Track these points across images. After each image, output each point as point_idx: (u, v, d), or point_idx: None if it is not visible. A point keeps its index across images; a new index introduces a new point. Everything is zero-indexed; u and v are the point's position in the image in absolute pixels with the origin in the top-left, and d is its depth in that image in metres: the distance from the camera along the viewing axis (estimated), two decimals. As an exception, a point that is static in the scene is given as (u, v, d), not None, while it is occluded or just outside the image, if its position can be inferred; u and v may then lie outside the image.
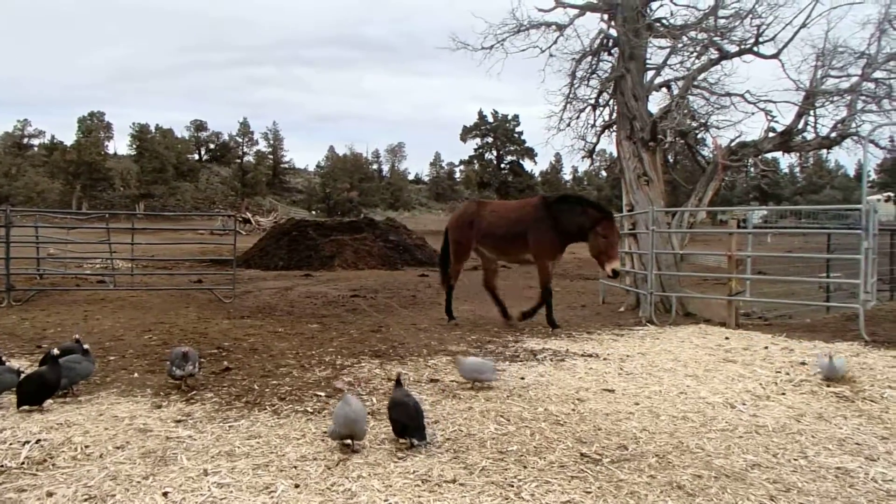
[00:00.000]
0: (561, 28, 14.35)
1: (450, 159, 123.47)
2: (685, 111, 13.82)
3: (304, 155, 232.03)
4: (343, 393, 4.74)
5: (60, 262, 18.15)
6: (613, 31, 13.88)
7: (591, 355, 8.52)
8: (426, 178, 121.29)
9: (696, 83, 13.62)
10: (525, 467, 4.57)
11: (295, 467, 4.51)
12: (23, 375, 5.97)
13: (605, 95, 14.73)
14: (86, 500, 3.98)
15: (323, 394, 6.40)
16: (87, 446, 4.85)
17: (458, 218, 12.13)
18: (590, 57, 14.48)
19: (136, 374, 7.19)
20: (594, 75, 14.81)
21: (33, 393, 5.74)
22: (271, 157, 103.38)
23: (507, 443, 5.06)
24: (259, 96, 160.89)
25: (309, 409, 5.91)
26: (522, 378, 7.18)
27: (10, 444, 4.88)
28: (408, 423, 4.92)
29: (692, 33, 13.44)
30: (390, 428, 5.11)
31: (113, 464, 4.53)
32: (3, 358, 6.46)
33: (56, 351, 6.16)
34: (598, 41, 14.28)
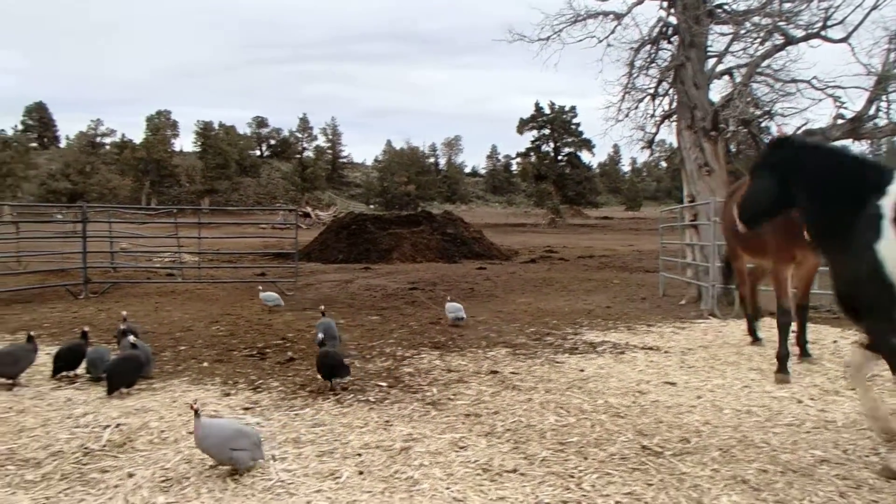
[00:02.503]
0: (619, 17, 14.15)
1: (506, 152, 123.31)
2: (748, 99, 13.45)
3: (361, 149, 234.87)
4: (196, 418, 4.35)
5: (132, 256, 18.91)
6: (673, 19, 13.61)
7: (651, 348, 8.43)
8: (483, 171, 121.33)
9: (759, 70, 13.24)
10: (585, 458, 4.58)
11: (358, 455, 4.63)
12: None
13: (665, 85, 14.46)
14: (163, 481, 4.18)
15: (384, 384, 6.53)
16: (162, 431, 5.08)
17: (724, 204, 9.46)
18: (648, 46, 14.23)
19: (205, 364, 7.46)
20: (653, 64, 14.55)
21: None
22: (330, 151, 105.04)
23: (567, 434, 5.08)
24: (316, 92, 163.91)
25: (371, 398, 6.04)
26: (582, 370, 7.16)
27: (93, 427, 5.15)
28: (334, 365, 6.18)
29: (755, 18, 13.05)
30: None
31: (187, 448, 4.73)
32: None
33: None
34: (657, 29, 14.02)
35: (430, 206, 65.74)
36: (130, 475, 4.26)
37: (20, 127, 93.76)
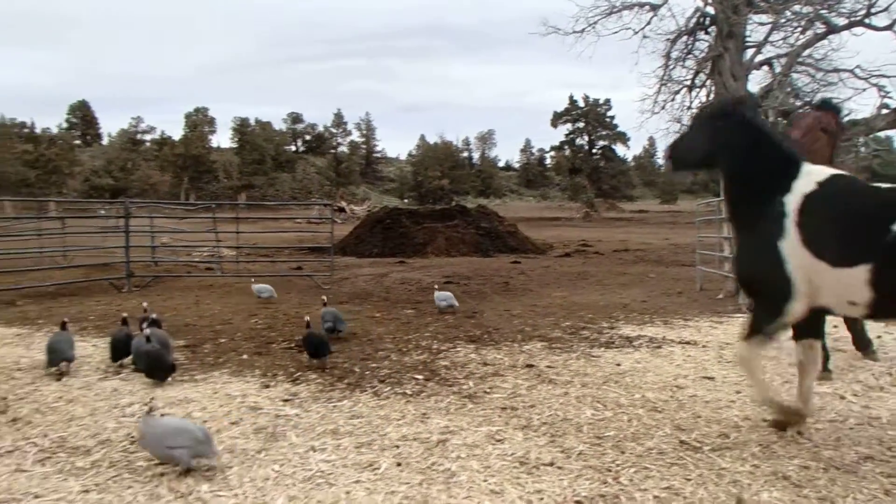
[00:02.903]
0: (655, 8, 14.03)
1: (540, 145, 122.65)
2: (788, 89, 13.22)
3: (395, 144, 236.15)
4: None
5: (173, 251, 19.29)
6: (711, 9, 13.44)
7: (688, 342, 8.36)
8: (516, 165, 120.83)
9: (800, 60, 13.02)
10: (623, 453, 4.57)
11: (396, 447, 4.68)
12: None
13: (702, 76, 14.32)
14: (206, 470, 4.28)
15: (421, 377, 6.59)
16: (205, 421, 5.18)
17: None
18: (685, 37, 14.10)
19: (245, 356, 7.60)
20: (690, 56, 14.44)
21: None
22: (364, 147, 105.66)
23: (603, 428, 5.07)
24: (350, 88, 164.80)
25: (408, 391, 6.10)
26: (618, 364, 7.13)
27: (138, 417, 5.28)
28: (317, 344, 6.97)
29: (796, 7, 12.85)
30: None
31: (229, 438, 4.85)
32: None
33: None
34: (694, 20, 13.88)
35: (463, 201, 65.79)
36: (176, 463, 4.37)
37: (65, 125, 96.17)
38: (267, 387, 6.31)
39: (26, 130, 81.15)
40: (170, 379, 6.37)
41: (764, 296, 4.78)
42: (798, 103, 13.36)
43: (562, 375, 6.65)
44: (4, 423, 5.24)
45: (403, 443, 4.75)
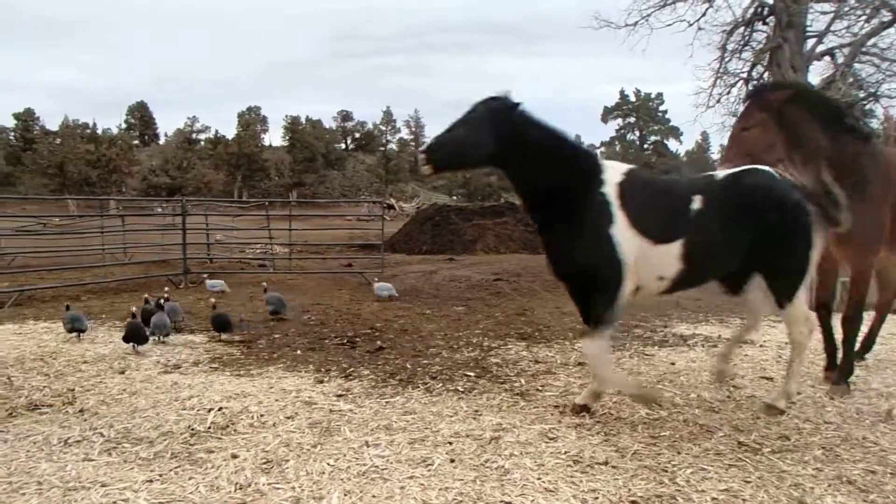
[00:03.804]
0: (710, -1, 13.71)
1: (590, 141, 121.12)
2: (851, 80, 12.78)
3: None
4: None
5: (227, 248, 19.71)
6: (769, -1, 13.07)
7: (745, 341, 8.15)
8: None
9: (864, 49, 12.56)
10: (679, 453, 4.50)
11: (449, 443, 4.70)
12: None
13: (760, 68, 13.94)
14: (264, 463, 4.37)
15: (472, 374, 6.59)
16: (261, 415, 5.30)
17: None
18: (742, 28, 13.74)
19: (298, 352, 7.72)
20: (747, 47, 14.07)
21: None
22: (413, 144, 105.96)
23: (659, 428, 5.00)
24: (399, 85, 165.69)
25: (459, 388, 6.12)
26: (673, 363, 7.02)
27: (198, 410, 5.44)
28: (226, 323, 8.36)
29: (861, -5, 12.40)
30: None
31: (285, 432, 4.94)
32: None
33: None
34: (751, 10, 13.52)
35: (512, 197, 65.47)
36: (234, 456, 4.48)
37: (123, 125, 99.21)
38: (321, 382, 6.40)
39: (88, 131, 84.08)
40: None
41: (602, 284, 4.91)
42: (861, 94, 12.93)
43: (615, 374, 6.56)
44: (72, 413, 5.44)
45: (456, 439, 4.77)
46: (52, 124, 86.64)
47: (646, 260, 4.83)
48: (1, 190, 59.65)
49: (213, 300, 10.17)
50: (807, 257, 4.96)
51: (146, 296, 9.79)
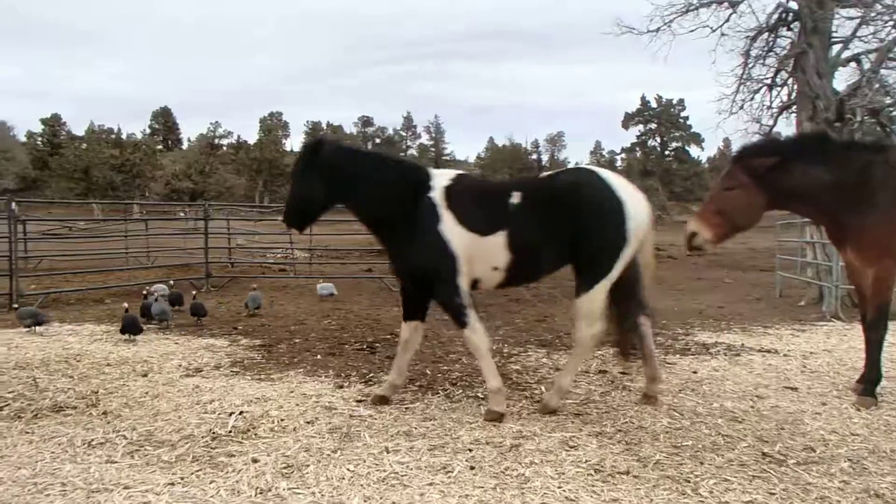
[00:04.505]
0: (734, 4, 13.57)
1: (611, 147, 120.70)
2: (878, 86, 12.59)
3: (464, 146, 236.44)
4: None
5: (248, 252, 19.84)
6: (793, 4, 12.89)
7: (769, 350, 8.07)
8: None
9: (891, 55, 12.35)
10: (702, 463, 4.44)
11: (469, 450, 4.68)
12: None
13: (784, 74, 13.76)
14: (284, 468, 4.38)
15: (492, 381, 6.56)
16: (282, 420, 5.32)
17: None
18: (766, 34, 13.56)
19: (318, 356, 7.74)
20: (771, 53, 13.88)
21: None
22: (433, 149, 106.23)
23: (681, 437, 4.94)
24: (419, 91, 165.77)
25: (479, 394, 6.09)
26: (695, 372, 6.95)
27: (219, 414, 5.47)
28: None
29: (887, 0, 12.20)
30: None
31: (305, 437, 4.95)
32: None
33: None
34: (775, 16, 13.34)
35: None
36: (255, 460, 4.49)
37: (147, 131, 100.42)
38: (341, 387, 6.41)
39: (113, 136, 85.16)
40: (249, 377, 6.59)
41: (438, 276, 5.42)
42: (888, 101, 12.72)
43: (636, 382, 6.52)
44: (96, 415, 5.50)
45: (476, 446, 4.75)
46: (79, 129, 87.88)
47: (476, 252, 5.35)
48: (28, 194, 60.58)
49: (193, 292, 11.84)
50: (609, 257, 5.26)
51: (145, 290, 11.03)
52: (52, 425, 5.24)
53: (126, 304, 9.44)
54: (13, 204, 12.63)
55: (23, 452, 4.65)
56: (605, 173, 5.46)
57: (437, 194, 5.45)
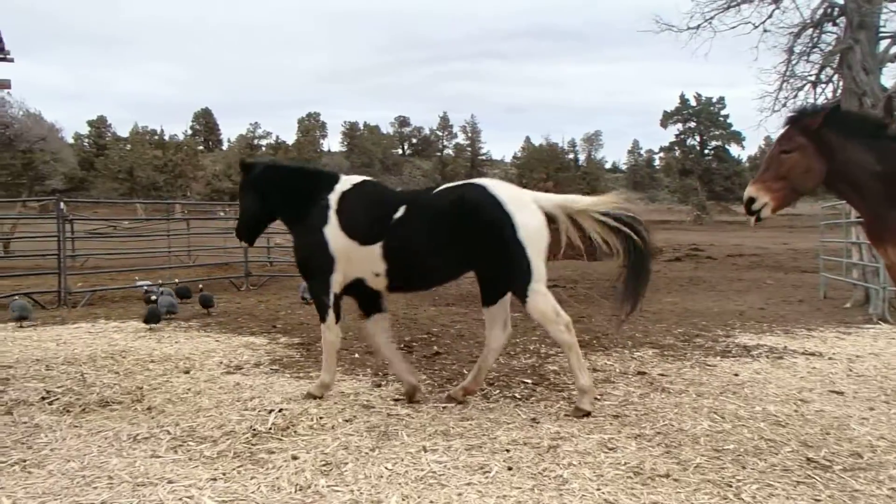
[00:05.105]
0: (777, 0, 13.31)
1: (648, 146, 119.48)
2: (928, 83, 12.23)
3: (500, 146, 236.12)
4: None
5: (286, 251, 20.06)
6: (840, -1, 12.61)
7: (813, 353, 7.89)
8: (623, 167, 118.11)
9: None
10: (744, 468, 4.37)
11: (507, 450, 4.67)
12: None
13: (829, 71, 13.44)
14: (323, 465, 4.43)
15: (529, 381, 6.56)
16: (321, 418, 5.38)
17: None
18: (811, 29, 13.27)
19: (356, 355, 7.81)
20: (815, 49, 13.57)
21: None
22: (469, 149, 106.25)
23: (722, 441, 4.86)
24: (456, 90, 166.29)
25: (517, 395, 6.09)
26: (736, 374, 6.83)
27: (259, 411, 5.55)
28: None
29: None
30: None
31: (343, 435, 4.99)
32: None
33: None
34: (820, 11, 13.04)
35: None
36: (294, 457, 4.55)
37: (189, 132, 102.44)
38: (378, 386, 6.46)
39: (156, 137, 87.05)
40: (288, 374, 6.66)
41: (315, 273, 5.90)
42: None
43: (675, 384, 6.44)
44: (141, 410, 5.63)
45: (514, 447, 4.74)
46: (123, 131, 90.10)
47: (356, 256, 5.70)
48: (75, 194, 62.23)
49: (200, 285, 12.73)
50: (520, 264, 5.39)
51: (144, 290, 12.25)
52: (98, 420, 5.38)
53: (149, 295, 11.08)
54: (61, 204, 12.99)
55: (71, 446, 4.78)
56: (494, 188, 5.54)
57: (332, 198, 5.85)
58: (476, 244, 5.41)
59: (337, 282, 5.84)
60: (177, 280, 13.15)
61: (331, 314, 5.90)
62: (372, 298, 6.08)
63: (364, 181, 6.12)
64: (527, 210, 5.48)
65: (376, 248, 5.61)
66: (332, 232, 5.74)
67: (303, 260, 6.06)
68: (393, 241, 5.57)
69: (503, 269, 5.47)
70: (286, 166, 6.84)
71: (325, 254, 5.75)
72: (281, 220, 6.33)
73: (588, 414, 5.44)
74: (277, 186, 6.15)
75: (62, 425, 5.22)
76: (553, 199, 5.78)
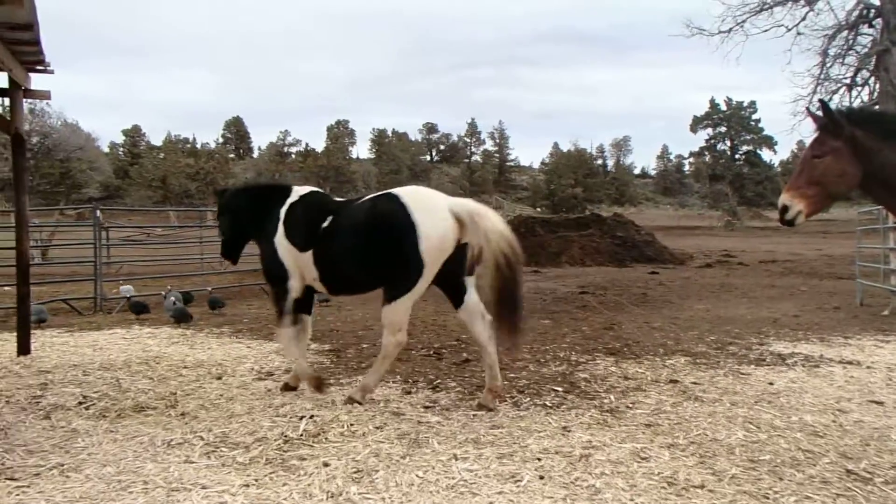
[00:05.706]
0: (811, 2, 13.16)
1: (678, 151, 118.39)
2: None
3: (528, 152, 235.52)
4: None
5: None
6: (875, 0, 12.37)
7: (850, 362, 7.72)
8: (653, 172, 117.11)
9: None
10: (781, 479, 4.28)
11: (538, 459, 4.64)
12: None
13: (865, 73, 13.24)
14: (354, 472, 4.44)
15: (560, 389, 6.52)
16: (351, 424, 5.39)
17: None
18: (846, 32, 13.09)
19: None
20: (850, 51, 13.40)
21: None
22: (497, 155, 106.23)
23: (758, 451, 4.78)
24: (484, 97, 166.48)
25: (547, 403, 6.05)
26: (771, 384, 6.71)
27: (290, 417, 5.58)
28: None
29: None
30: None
31: (374, 442, 5.00)
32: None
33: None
34: (855, 13, 12.86)
35: (597, 209, 64.43)
36: (325, 464, 4.56)
37: (220, 139, 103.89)
38: (408, 393, 6.47)
39: (189, 145, 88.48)
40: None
41: (274, 280, 6.39)
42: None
43: (709, 393, 6.35)
44: (174, 416, 5.71)
45: (545, 455, 4.70)
46: (157, 139, 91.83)
47: (299, 263, 6.15)
48: (110, 202, 63.50)
49: (209, 288, 13.56)
50: (406, 276, 5.67)
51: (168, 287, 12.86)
52: (134, 425, 5.46)
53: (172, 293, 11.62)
54: (97, 212, 13.24)
55: (108, 451, 4.86)
56: (407, 197, 5.75)
57: (283, 210, 6.33)
58: (385, 253, 5.70)
59: (295, 287, 6.26)
60: (209, 289, 13.55)
61: (286, 318, 6.32)
62: (306, 302, 6.53)
63: (310, 192, 6.54)
64: (435, 223, 5.65)
65: (309, 255, 6.06)
66: (281, 241, 6.23)
67: (264, 269, 6.60)
68: (322, 247, 6.00)
69: (398, 275, 5.72)
70: (244, 188, 7.35)
71: (277, 262, 6.25)
72: (252, 237, 6.81)
73: (354, 402, 5.91)
74: (242, 207, 6.71)
75: (98, 430, 5.31)
76: (467, 206, 5.90)
